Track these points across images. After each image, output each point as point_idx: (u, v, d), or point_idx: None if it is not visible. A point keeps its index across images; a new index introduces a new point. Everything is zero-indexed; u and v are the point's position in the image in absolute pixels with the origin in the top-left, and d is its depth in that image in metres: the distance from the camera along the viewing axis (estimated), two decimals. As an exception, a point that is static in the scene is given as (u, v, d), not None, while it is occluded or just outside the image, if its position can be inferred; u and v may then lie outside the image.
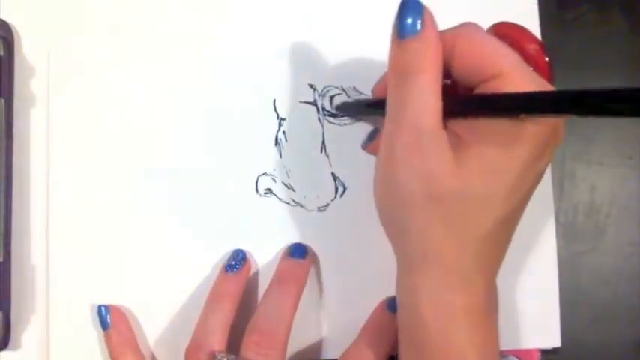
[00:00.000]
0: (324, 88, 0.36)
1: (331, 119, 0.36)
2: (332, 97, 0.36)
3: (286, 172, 0.36)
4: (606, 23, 0.39)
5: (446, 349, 0.27)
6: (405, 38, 0.26)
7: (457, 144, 0.26)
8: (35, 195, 0.35)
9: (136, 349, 0.34)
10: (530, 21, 0.37)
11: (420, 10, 0.26)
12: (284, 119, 0.36)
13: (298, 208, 0.36)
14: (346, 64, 0.36)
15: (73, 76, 0.35)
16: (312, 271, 0.35)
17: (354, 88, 0.36)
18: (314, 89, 0.36)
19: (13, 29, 0.35)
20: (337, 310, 0.36)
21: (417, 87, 0.26)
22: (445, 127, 0.26)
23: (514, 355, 0.36)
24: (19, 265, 0.34)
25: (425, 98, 0.26)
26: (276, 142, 0.36)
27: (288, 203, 0.36)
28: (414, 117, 0.26)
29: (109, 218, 0.35)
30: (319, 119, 0.36)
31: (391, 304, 0.34)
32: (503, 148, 0.25)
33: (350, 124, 0.36)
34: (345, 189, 0.36)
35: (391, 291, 0.35)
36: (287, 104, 0.36)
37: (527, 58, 0.26)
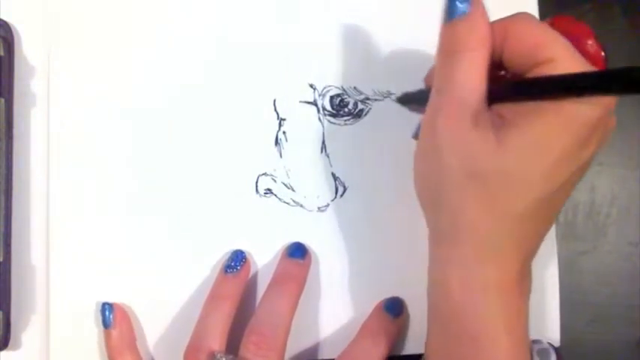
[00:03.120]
0: (324, 88, 0.36)
1: (331, 119, 0.36)
2: (332, 97, 0.36)
3: (286, 172, 0.36)
4: (606, 23, 0.39)
5: (474, 323, 0.27)
6: (454, 19, 0.26)
7: (500, 124, 0.26)
8: (35, 195, 0.35)
9: (134, 349, 0.34)
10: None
11: None
12: (284, 119, 0.36)
13: (298, 208, 0.36)
14: (346, 64, 0.36)
15: (73, 76, 0.35)
16: (311, 271, 0.35)
17: (354, 88, 0.36)
18: (314, 89, 0.36)
19: (13, 29, 0.35)
20: (336, 311, 0.36)
21: (464, 64, 0.26)
22: (490, 108, 0.27)
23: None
24: (19, 265, 0.34)
25: (470, 76, 0.26)
26: (276, 142, 0.36)
27: (288, 203, 0.36)
28: (458, 93, 0.26)
29: (108, 218, 0.35)
30: (319, 119, 0.36)
31: (388, 306, 0.35)
32: (546, 128, 0.25)
33: (350, 124, 0.36)
34: (345, 189, 0.36)
35: (391, 291, 0.35)
36: (287, 104, 0.36)
37: (583, 53, 0.26)
